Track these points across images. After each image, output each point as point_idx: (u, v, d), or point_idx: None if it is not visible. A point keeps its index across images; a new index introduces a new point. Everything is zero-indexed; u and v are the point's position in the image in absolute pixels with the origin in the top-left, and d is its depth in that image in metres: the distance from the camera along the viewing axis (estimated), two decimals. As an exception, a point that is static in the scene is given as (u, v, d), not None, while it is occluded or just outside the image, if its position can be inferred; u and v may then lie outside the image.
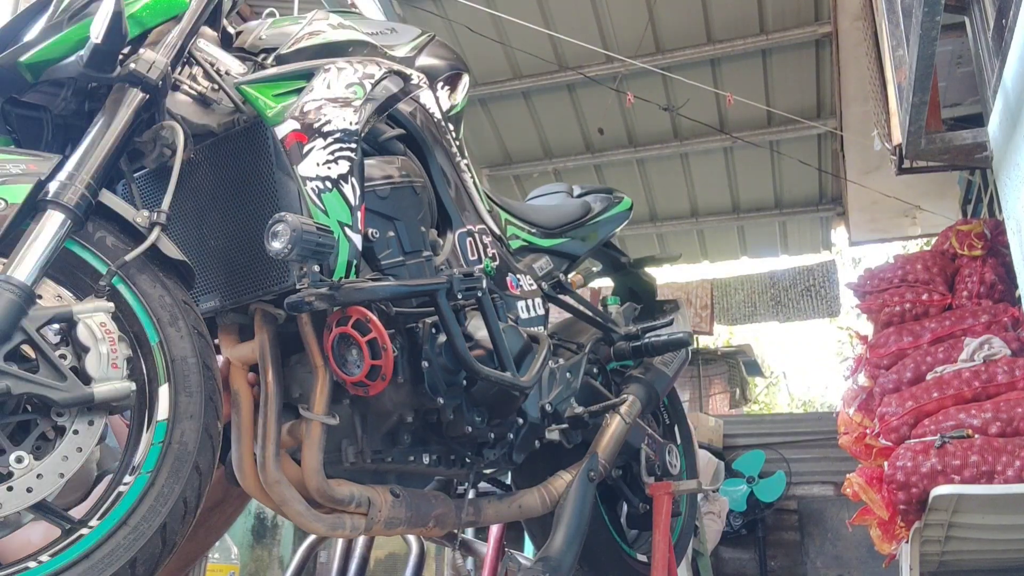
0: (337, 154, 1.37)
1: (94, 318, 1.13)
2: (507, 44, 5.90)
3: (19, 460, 1.05)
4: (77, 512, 1.14)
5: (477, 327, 1.58)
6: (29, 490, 1.05)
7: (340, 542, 2.33)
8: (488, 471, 1.85)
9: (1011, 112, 2.41)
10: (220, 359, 1.49)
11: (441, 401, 1.49)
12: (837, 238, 8.39)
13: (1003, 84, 2.44)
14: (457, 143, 1.75)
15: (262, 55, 1.52)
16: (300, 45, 1.51)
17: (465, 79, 1.83)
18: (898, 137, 3.24)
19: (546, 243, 2.04)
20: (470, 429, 1.56)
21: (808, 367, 30.52)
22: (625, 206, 2.36)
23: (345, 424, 1.48)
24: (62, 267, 1.17)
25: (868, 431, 3.41)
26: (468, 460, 1.66)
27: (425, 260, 1.55)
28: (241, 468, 1.47)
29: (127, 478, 1.14)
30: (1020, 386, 2.98)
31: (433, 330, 1.47)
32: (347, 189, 1.37)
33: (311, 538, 2.30)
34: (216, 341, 1.53)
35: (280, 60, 1.48)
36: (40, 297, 1.12)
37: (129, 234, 1.23)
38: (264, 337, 1.44)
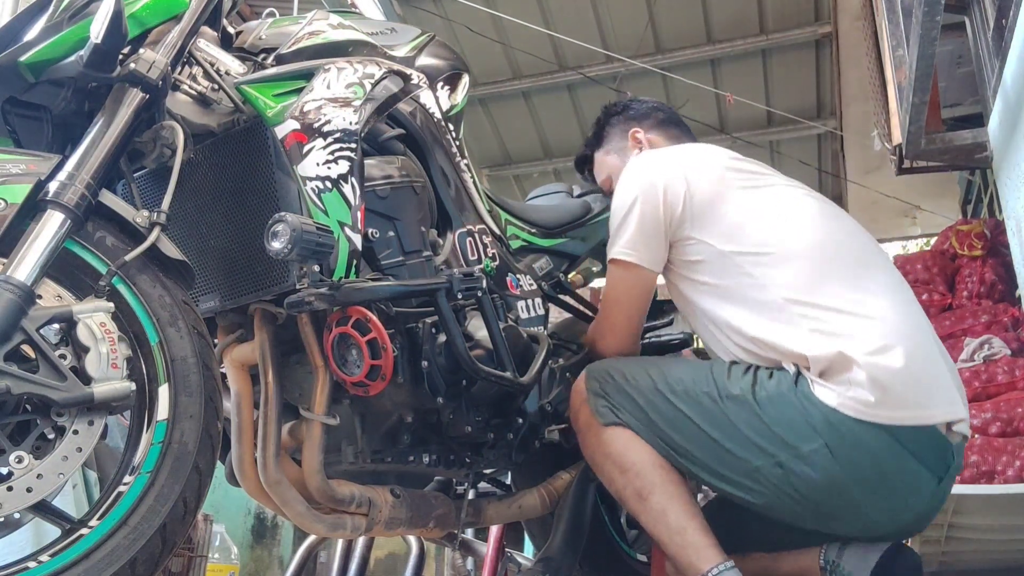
0: (337, 154, 1.37)
1: (94, 318, 1.13)
2: (507, 44, 5.89)
3: (19, 460, 1.06)
4: None
5: (477, 327, 1.57)
6: (29, 490, 1.05)
7: (340, 542, 2.32)
8: (488, 471, 1.85)
9: (1011, 112, 2.41)
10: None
11: (441, 401, 1.48)
12: (837, 238, 8.38)
13: (1003, 84, 2.44)
14: (457, 143, 1.75)
15: (262, 55, 1.52)
16: (300, 45, 1.51)
17: (465, 79, 1.83)
18: (898, 137, 3.24)
19: (546, 243, 2.04)
20: (470, 429, 1.56)
21: (808, 367, 30.42)
22: (625, 206, 2.35)
23: (345, 424, 1.48)
24: (62, 267, 1.17)
25: (868, 431, 3.40)
26: (468, 460, 1.66)
27: (425, 260, 1.55)
28: (241, 468, 1.47)
29: (127, 478, 1.14)
30: (1020, 386, 2.98)
31: (433, 330, 1.46)
32: (347, 189, 1.37)
33: (311, 538, 2.30)
34: (216, 341, 1.53)
35: (280, 60, 1.48)
36: (40, 297, 1.12)
37: (129, 234, 1.23)
38: (264, 337, 1.44)
